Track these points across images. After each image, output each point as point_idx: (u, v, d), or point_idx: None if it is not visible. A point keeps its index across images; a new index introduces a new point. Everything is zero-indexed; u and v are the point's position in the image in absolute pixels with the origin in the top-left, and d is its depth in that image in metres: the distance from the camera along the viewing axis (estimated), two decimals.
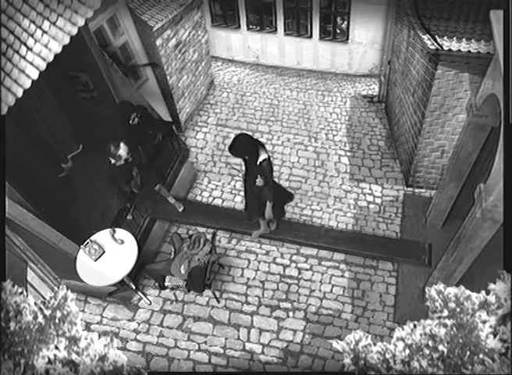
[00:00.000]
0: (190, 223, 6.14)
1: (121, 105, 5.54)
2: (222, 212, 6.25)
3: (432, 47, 4.99)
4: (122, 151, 4.85)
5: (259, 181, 4.53)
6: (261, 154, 4.48)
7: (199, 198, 6.65)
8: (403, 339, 2.05)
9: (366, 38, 8.64)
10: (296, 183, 6.83)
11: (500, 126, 3.63)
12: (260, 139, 7.52)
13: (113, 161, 4.89)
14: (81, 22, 3.62)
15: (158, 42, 6.41)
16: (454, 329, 1.99)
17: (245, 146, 4.44)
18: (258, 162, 4.49)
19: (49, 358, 1.99)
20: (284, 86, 9.02)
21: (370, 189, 6.73)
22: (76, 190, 5.98)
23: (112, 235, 4.82)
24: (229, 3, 8.90)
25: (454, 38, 5.03)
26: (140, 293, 5.32)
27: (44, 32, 3.45)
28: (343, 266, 5.73)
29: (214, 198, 6.64)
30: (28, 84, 3.32)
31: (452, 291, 2.10)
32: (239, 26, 9.23)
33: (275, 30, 9.10)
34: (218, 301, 5.36)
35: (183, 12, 6.85)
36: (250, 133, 5.41)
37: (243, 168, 4.84)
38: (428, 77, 5.38)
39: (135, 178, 5.17)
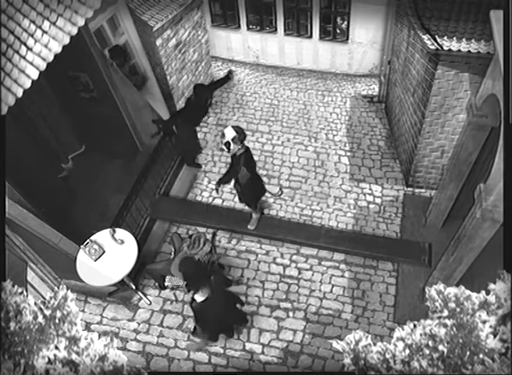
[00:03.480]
0: (190, 223, 6.14)
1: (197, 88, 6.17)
2: (222, 212, 6.24)
3: (432, 47, 4.99)
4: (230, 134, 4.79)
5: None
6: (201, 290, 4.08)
7: (199, 198, 6.65)
8: (403, 339, 2.05)
9: (366, 38, 8.63)
10: (296, 183, 6.82)
11: (500, 126, 3.63)
12: (260, 139, 7.58)
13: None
14: (81, 22, 3.62)
15: (158, 42, 6.41)
16: (454, 329, 1.99)
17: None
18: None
19: (49, 358, 1.99)
20: (284, 86, 9.01)
21: (370, 189, 6.73)
22: (76, 190, 5.99)
23: (112, 235, 4.82)
24: (229, 3, 8.89)
25: (454, 38, 5.03)
26: (140, 293, 5.32)
27: (44, 32, 3.45)
28: (343, 266, 5.73)
29: (214, 198, 6.64)
30: (28, 84, 3.32)
31: (452, 291, 2.10)
32: (239, 26, 9.22)
33: (275, 30, 9.09)
34: None
35: (183, 12, 6.85)
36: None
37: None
38: (428, 77, 5.38)
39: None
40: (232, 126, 4.80)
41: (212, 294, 4.04)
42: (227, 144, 4.74)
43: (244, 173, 5.10)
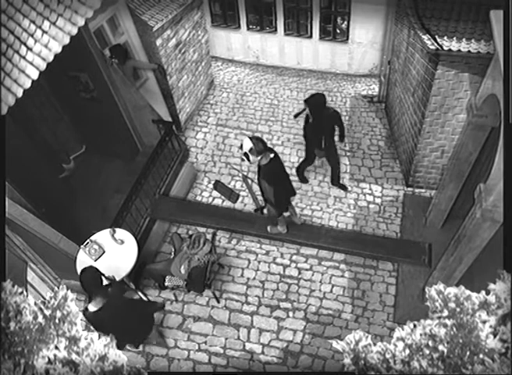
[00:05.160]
0: (190, 223, 6.14)
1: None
2: (222, 212, 6.25)
3: (432, 47, 4.99)
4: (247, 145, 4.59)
5: None
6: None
7: (199, 198, 6.65)
8: (403, 339, 2.04)
9: (366, 38, 8.63)
10: (297, 183, 6.82)
11: (500, 126, 3.63)
12: None
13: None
14: (81, 22, 3.63)
15: (158, 42, 6.41)
16: (454, 329, 1.98)
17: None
18: None
19: (49, 358, 1.99)
20: (284, 86, 9.01)
21: (370, 189, 6.73)
22: (76, 190, 5.99)
23: (112, 235, 4.82)
24: (229, 3, 8.89)
25: (454, 38, 5.03)
26: (140, 293, 5.32)
27: (44, 32, 3.46)
28: (343, 266, 5.73)
29: (214, 198, 6.64)
30: (28, 84, 3.32)
31: (452, 291, 2.09)
32: (239, 26, 9.22)
33: (275, 30, 9.09)
34: (218, 301, 5.36)
35: (183, 12, 6.85)
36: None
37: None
38: (428, 77, 5.38)
39: None
40: (250, 137, 4.64)
41: (107, 304, 3.95)
42: (246, 155, 4.68)
43: (266, 186, 4.88)
